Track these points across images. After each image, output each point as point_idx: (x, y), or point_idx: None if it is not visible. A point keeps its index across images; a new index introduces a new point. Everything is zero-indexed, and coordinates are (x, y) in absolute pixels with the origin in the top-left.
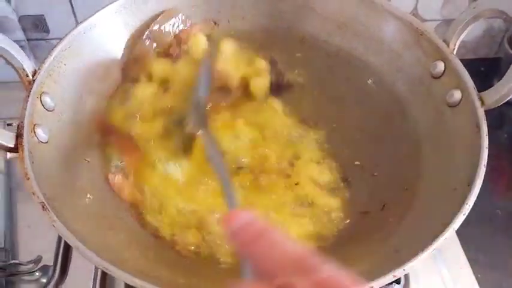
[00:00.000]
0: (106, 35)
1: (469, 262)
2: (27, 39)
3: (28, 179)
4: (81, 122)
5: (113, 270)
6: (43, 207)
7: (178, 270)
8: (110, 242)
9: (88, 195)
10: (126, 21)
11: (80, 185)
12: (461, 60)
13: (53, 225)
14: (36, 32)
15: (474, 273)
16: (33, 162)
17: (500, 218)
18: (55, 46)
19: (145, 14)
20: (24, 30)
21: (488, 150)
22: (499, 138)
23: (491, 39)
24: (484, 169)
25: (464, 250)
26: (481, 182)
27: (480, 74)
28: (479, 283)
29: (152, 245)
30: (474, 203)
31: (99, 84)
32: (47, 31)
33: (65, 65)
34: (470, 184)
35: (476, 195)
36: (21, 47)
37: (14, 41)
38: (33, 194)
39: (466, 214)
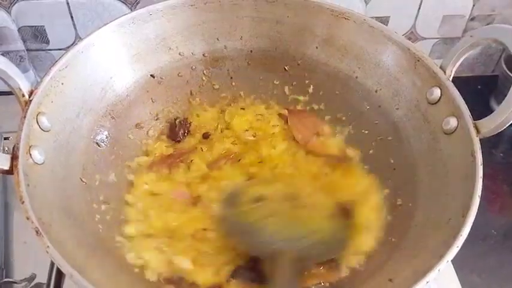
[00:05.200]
0: (104, 54)
1: (462, 283)
2: (27, 50)
3: (23, 202)
4: (77, 142)
5: None
6: (37, 232)
7: None
8: (106, 268)
9: (85, 218)
10: (124, 40)
11: (77, 207)
12: (458, 78)
13: (47, 251)
14: (36, 42)
15: None
16: (28, 185)
17: (494, 237)
18: (52, 65)
19: (143, 34)
20: (24, 40)
21: (483, 170)
22: (494, 158)
23: (488, 58)
24: (479, 200)
25: (457, 271)
26: (475, 213)
27: (477, 92)
28: None
29: None
30: None
31: (97, 103)
32: (47, 42)
33: (62, 84)
34: (464, 215)
35: (471, 226)
36: (21, 57)
37: (14, 51)
38: (28, 218)
39: (460, 246)
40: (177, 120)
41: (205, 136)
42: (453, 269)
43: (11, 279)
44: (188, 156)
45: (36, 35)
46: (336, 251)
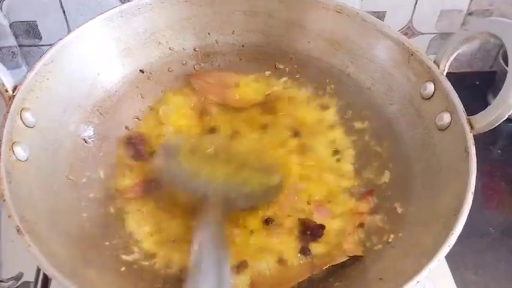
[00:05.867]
0: (92, 49)
1: (458, 281)
2: (19, 46)
3: (4, 200)
4: (64, 139)
5: None
6: (18, 230)
7: None
8: (93, 268)
9: (72, 216)
10: (113, 34)
11: (63, 206)
12: (456, 74)
13: (28, 250)
14: (28, 38)
15: None
16: (10, 182)
17: (492, 235)
18: (37, 60)
19: (132, 29)
20: (16, 36)
21: (481, 166)
22: (492, 154)
23: (486, 53)
24: (472, 197)
25: (453, 268)
26: (468, 211)
27: (474, 87)
28: None
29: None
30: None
31: (84, 99)
32: (39, 37)
33: (47, 79)
34: (456, 213)
35: (463, 225)
36: (13, 53)
37: (6, 47)
38: (9, 216)
39: (452, 245)
40: (132, 141)
41: None
42: (447, 266)
43: None
44: None
45: (28, 30)
46: (261, 200)
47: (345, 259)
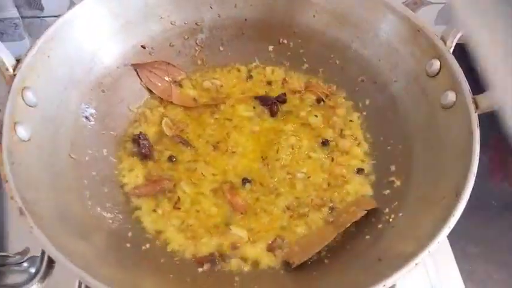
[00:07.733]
0: (91, 25)
1: (460, 254)
2: (21, 17)
3: (6, 181)
4: (65, 117)
5: (91, 282)
6: (21, 212)
7: None
8: (96, 246)
9: (74, 195)
10: (112, 10)
11: (65, 184)
12: (462, 45)
13: (31, 232)
14: (30, 9)
15: (465, 265)
16: (13, 163)
17: (494, 208)
18: (38, 38)
19: (132, 3)
20: (17, 7)
21: (488, 139)
22: (499, 126)
23: None
24: (474, 178)
25: (454, 241)
26: (470, 192)
27: None
28: (470, 275)
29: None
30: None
31: (85, 75)
32: (41, 9)
33: (48, 57)
34: (458, 195)
35: (464, 206)
36: (15, 24)
37: (8, 18)
38: (12, 198)
39: (452, 227)
40: (140, 135)
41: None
42: (447, 239)
43: (4, 253)
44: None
45: (29, 1)
46: None
47: (364, 213)
